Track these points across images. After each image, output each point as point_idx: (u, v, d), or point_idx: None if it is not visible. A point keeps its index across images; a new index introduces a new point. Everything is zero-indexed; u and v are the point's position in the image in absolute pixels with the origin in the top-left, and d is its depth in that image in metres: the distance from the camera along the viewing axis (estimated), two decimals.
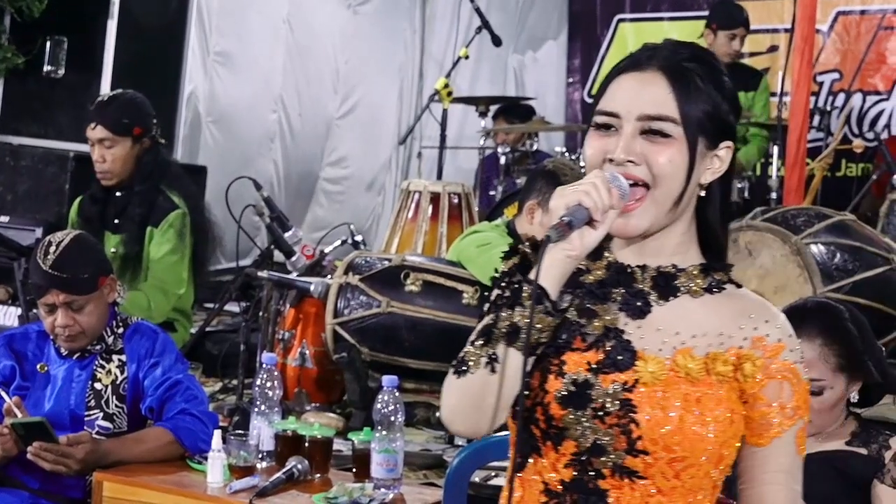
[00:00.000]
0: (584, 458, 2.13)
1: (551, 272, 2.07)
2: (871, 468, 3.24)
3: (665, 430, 2.09)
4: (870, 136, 9.17)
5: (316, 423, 4.37)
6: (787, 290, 5.46)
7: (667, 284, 2.20)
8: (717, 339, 2.16)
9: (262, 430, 4.08)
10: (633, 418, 2.10)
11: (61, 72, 7.83)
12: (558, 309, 2.10)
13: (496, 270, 2.18)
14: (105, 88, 7.65)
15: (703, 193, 2.20)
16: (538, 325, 2.07)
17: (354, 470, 4.03)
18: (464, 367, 2.10)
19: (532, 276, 2.06)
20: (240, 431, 4.06)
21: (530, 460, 2.19)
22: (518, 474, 2.21)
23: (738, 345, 2.15)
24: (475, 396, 2.09)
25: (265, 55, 9.93)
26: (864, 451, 3.28)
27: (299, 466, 3.89)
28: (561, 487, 2.15)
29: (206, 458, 3.90)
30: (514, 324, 2.06)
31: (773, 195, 7.68)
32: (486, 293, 2.22)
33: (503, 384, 2.06)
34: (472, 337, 2.12)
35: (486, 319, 2.11)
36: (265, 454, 4.06)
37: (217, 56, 9.49)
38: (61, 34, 7.82)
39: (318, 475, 3.95)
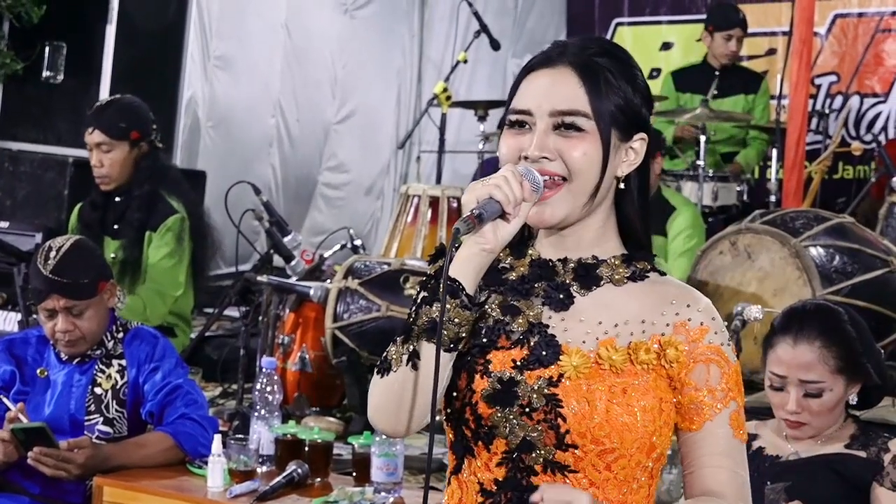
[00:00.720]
0: (515, 456, 2.13)
1: (466, 266, 2.09)
2: (871, 471, 3.24)
3: (592, 423, 2.09)
4: (867, 138, 9.18)
5: (316, 428, 4.38)
6: (787, 293, 5.47)
7: (588, 274, 2.20)
8: (639, 326, 2.16)
9: (263, 435, 4.08)
10: (560, 413, 2.10)
11: (60, 77, 7.84)
12: (474, 302, 2.10)
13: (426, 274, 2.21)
14: (104, 94, 7.65)
15: (622, 186, 2.21)
16: (455, 319, 2.08)
17: (354, 474, 4.04)
18: (387, 366, 2.12)
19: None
20: (240, 436, 4.07)
21: (465, 461, 2.20)
22: (456, 476, 2.22)
23: (660, 332, 2.16)
24: (398, 395, 2.11)
25: (264, 59, 9.93)
26: (863, 453, 3.28)
27: (299, 471, 3.89)
28: (495, 487, 2.16)
29: (206, 463, 3.90)
30: (432, 319, 2.08)
31: (772, 198, 7.68)
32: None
33: (424, 381, 2.08)
34: (396, 336, 2.14)
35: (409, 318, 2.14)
36: (265, 458, 4.06)
37: (216, 60, 9.49)
38: (60, 40, 7.83)
39: (319, 479, 3.96)
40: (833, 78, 9.59)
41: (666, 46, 10.40)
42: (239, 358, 5.49)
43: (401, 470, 3.91)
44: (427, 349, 2.08)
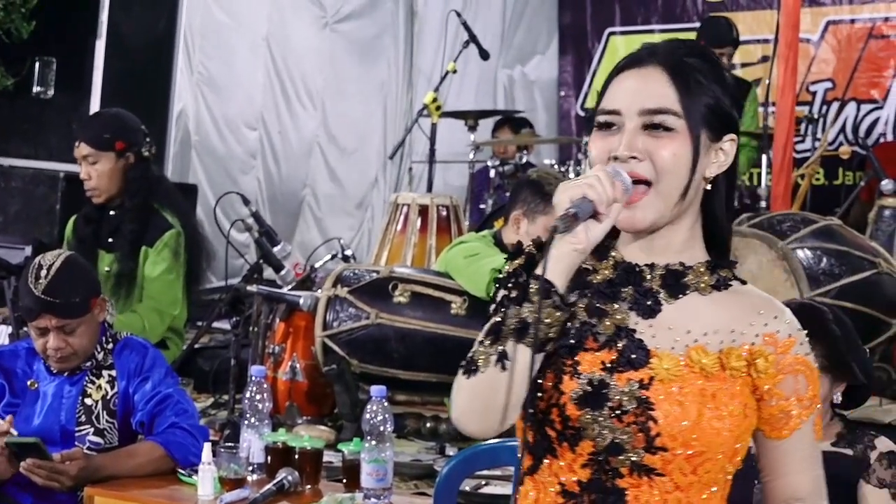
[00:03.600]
0: (601, 458, 2.13)
1: (558, 266, 2.07)
2: (858, 468, 3.25)
3: (683, 426, 2.10)
4: (868, 143, 9.20)
5: (306, 435, 4.38)
6: (774, 295, 5.36)
7: (676, 282, 2.20)
8: (728, 336, 2.17)
9: (253, 443, 4.08)
10: (651, 415, 2.10)
11: (51, 92, 7.87)
12: (567, 303, 2.09)
13: (499, 271, 2.20)
14: (95, 108, 7.69)
15: (708, 187, 2.21)
16: (547, 320, 2.06)
17: (344, 480, 4.03)
18: (474, 367, 2.08)
19: (539, 269, 2.06)
20: (230, 444, 4.07)
21: (545, 461, 2.18)
22: (531, 475, 2.21)
23: (750, 341, 2.17)
24: (485, 396, 2.08)
25: (246, 74, 9.95)
26: (849, 451, 3.30)
27: (289, 478, 3.89)
28: (578, 488, 2.15)
29: (196, 472, 3.90)
30: (522, 319, 2.06)
31: (763, 204, 7.67)
32: (485, 301, 2.22)
33: (513, 381, 2.05)
34: (481, 336, 2.11)
35: (494, 318, 2.11)
36: (255, 466, 4.05)
37: (201, 75, 9.51)
38: (50, 55, 7.86)
39: (309, 486, 3.95)
40: (828, 84, 9.62)
41: None
42: (230, 369, 5.49)
43: (390, 476, 3.90)
44: (518, 350, 2.06)
